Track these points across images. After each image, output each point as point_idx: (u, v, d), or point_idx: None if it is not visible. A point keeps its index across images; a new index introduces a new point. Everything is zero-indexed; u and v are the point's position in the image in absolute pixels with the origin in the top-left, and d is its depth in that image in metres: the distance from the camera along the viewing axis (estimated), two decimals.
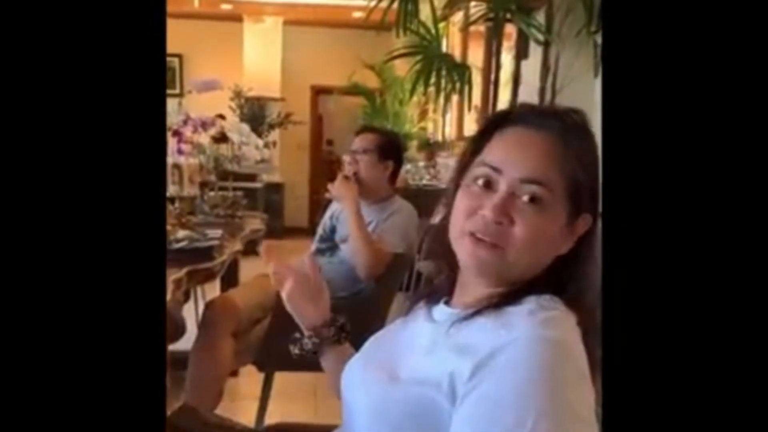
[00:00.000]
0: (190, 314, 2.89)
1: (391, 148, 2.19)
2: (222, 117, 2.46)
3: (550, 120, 0.76)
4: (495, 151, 0.77)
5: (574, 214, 0.75)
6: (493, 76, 2.97)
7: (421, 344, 0.78)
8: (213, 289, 2.80)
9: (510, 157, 0.75)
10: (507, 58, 3.10)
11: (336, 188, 2.13)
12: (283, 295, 0.95)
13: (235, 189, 2.95)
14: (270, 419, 2.05)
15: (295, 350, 0.97)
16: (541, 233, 0.73)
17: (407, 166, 4.44)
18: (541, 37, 2.48)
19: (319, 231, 2.25)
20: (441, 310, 0.82)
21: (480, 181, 0.76)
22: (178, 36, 5.20)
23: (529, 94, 2.56)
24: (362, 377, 0.82)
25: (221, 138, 2.56)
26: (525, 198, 0.73)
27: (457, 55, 4.30)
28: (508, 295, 0.75)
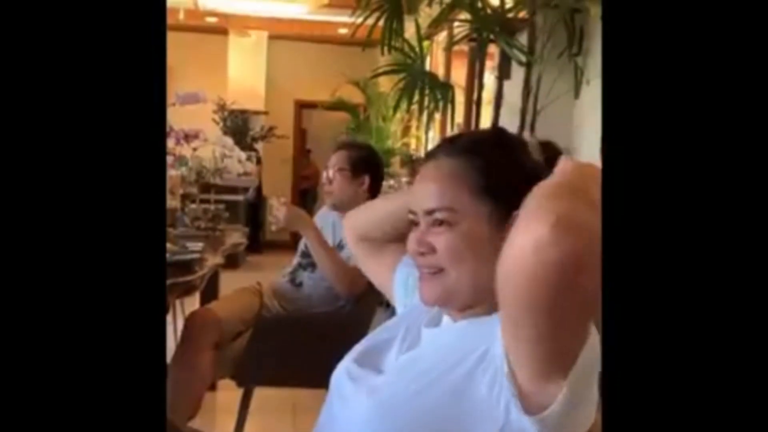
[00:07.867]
0: (169, 328, 2.87)
1: (364, 163, 2.18)
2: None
3: (445, 147, 0.84)
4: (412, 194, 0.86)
5: (502, 216, 0.77)
6: (475, 96, 3.01)
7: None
8: (193, 303, 2.78)
9: (416, 196, 0.84)
10: (489, 78, 3.14)
11: (286, 221, 2.06)
12: None
13: (216, 202, 2.94)
14: None
15: None
16: (464, 243, 0.79)
17: (390, 182, 4.46)
18: (523, 58, 2.52)
19: (301, 246, 2.25)
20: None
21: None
22: None
23: (511, 114, 2.59)
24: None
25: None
26: (434, 224, 0.80)
27: (440, 73, 4.34)
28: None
